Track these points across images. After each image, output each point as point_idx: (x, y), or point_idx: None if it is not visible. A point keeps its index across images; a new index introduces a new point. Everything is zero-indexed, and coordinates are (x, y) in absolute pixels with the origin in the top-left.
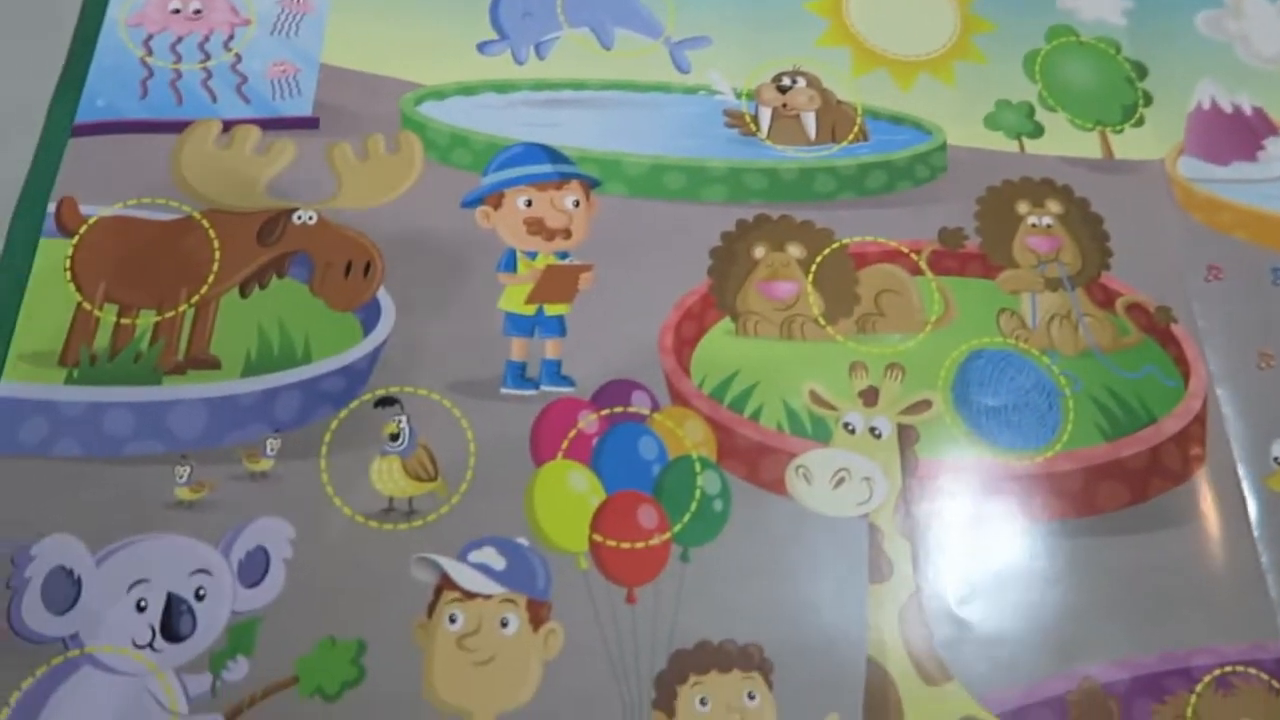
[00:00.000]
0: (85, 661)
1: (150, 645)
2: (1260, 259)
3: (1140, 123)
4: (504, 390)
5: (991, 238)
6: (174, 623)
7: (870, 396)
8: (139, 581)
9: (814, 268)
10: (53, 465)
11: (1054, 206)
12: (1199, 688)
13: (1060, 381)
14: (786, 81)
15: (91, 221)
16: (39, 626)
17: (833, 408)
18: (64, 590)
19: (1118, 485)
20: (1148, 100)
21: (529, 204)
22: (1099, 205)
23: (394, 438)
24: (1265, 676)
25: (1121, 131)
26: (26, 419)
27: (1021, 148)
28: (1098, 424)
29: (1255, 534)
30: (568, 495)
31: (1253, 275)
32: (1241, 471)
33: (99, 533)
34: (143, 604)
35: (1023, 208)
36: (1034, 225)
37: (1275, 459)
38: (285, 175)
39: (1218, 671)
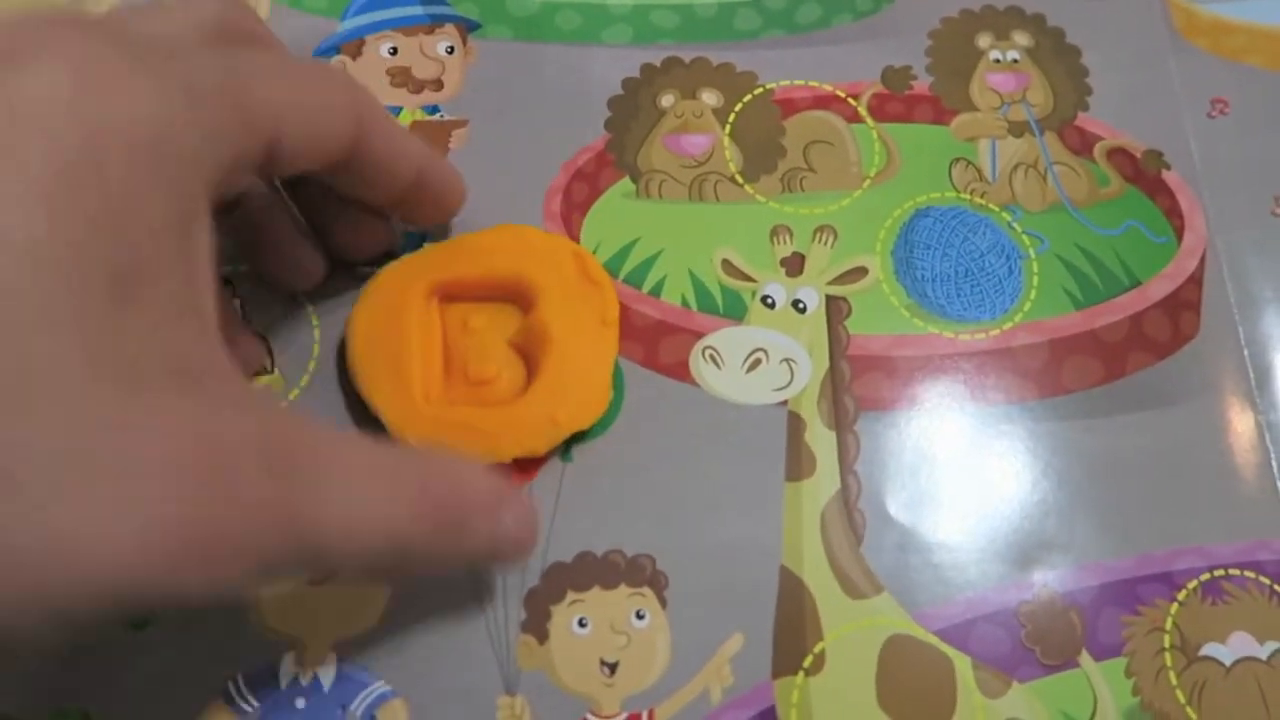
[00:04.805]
0: None
1: None
2: (1278, 87)
3: None
4: (361, 269)
5: (945, 76)
6: None
7: (794, 264)
8: None
9: (732, 117)
10: None
11: (1021, 39)
12: (1181, 595)
13: (1023, 241)
14: None
15: None
16: None
17: (749, 279)
18: None
19: (1089, 360)
20: None
21: (394, 51)
22: (1076, 36)
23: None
24: (1266, 580)
25: None
26: None
27: None
28: (1067, 289)
29: (1264, 417)
30: None
31: (1268, 107)
32: (1246, 341)
33: None
34: None
35: (984, 41)
36: (996, 61)
37: None
38: None
39: (1205, 576)
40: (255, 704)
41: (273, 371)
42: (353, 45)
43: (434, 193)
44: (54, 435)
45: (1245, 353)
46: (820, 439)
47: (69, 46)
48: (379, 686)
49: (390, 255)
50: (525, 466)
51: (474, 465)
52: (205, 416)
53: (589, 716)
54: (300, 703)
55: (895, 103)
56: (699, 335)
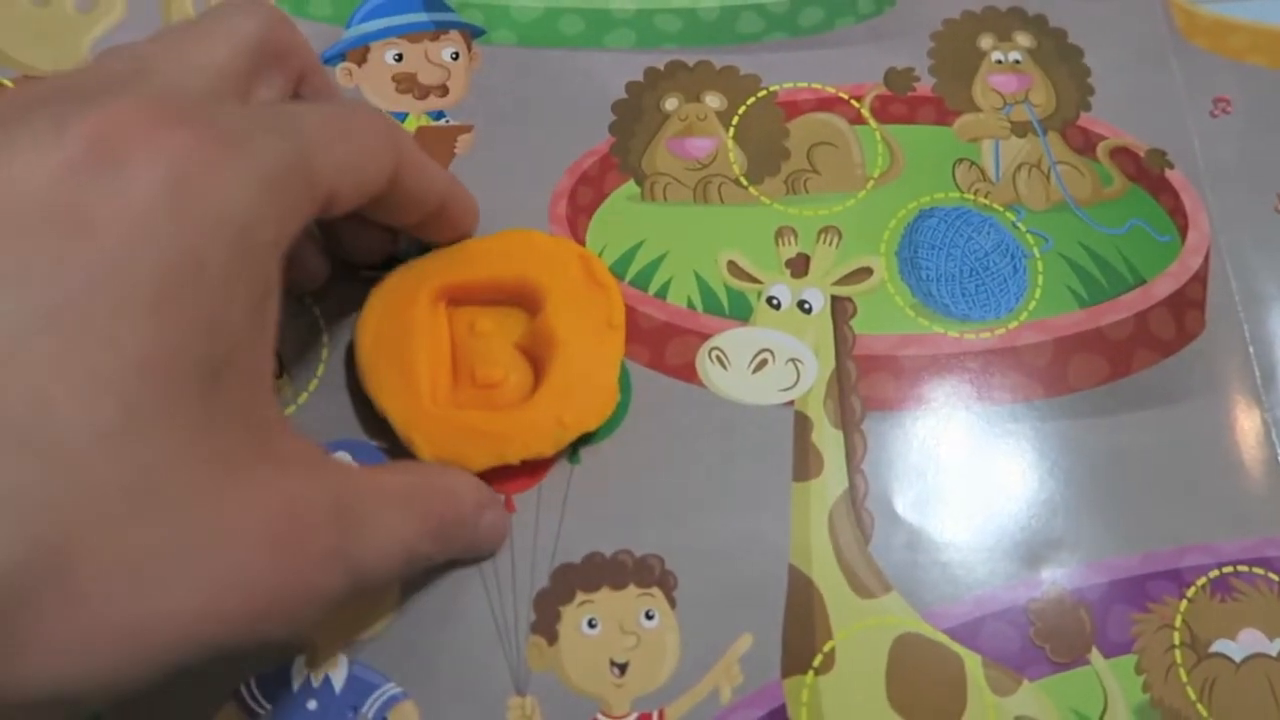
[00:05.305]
0: None
1: None
2: None
3: None
4: (364, 272)
5: (948, 78)
6: None
7: (799, 265)
8: None
9: (736, 120)
10: None
11: (1023, 40)
12: (1190, 592)
13: (1027, 240)
14: None
15: None
16: None
17: (755, 280)
18: None
19: (1094, 358)
20: None
21: (399, 58)
22: (1078, 37)
23: None
24: (1275, 577)
25: None
26: None
27: None
28: (1072, 288)
29: (1270, 413)
30: None
31: (1271, 105)
32: (1251, 338)
33: None
34: None
35: (986, 42)
36: (999, 62)
37: None
38: (114, 35)
39: (1214, 573)
40: (267, 706)
41: (280, 375)
42: (358, 52)
43: (453, 219)
44: (168, 527)
45: (1250, 350)
46: (827, 439)
47: (162, 143)
48: (390, 688)
49: (394, 258)
50: (533, 468)
51: (464, 477)
52: (283, 484)
53: (599, 717)
54: (311, 704)
55: (898, 104)
56: (705, 336)
